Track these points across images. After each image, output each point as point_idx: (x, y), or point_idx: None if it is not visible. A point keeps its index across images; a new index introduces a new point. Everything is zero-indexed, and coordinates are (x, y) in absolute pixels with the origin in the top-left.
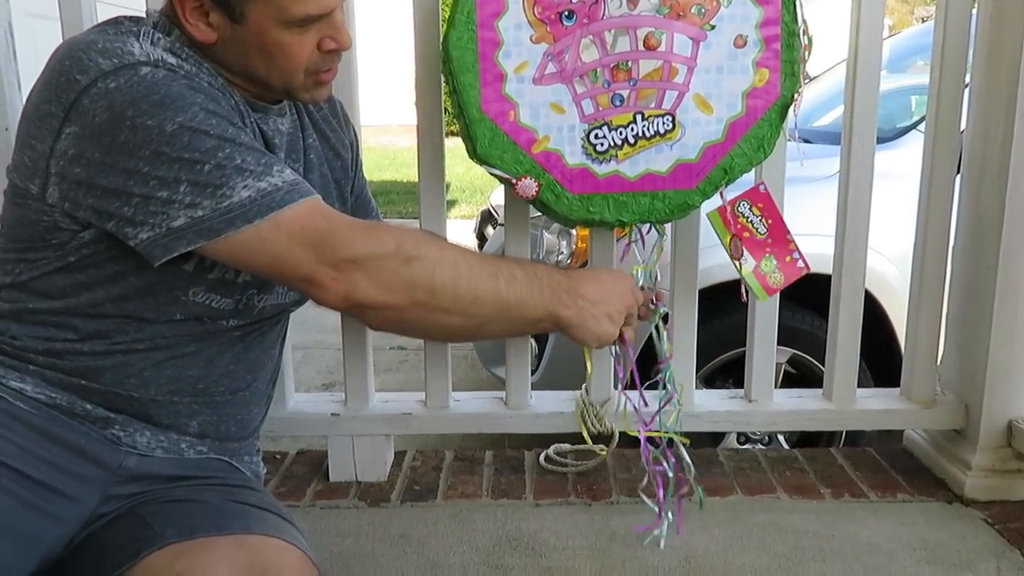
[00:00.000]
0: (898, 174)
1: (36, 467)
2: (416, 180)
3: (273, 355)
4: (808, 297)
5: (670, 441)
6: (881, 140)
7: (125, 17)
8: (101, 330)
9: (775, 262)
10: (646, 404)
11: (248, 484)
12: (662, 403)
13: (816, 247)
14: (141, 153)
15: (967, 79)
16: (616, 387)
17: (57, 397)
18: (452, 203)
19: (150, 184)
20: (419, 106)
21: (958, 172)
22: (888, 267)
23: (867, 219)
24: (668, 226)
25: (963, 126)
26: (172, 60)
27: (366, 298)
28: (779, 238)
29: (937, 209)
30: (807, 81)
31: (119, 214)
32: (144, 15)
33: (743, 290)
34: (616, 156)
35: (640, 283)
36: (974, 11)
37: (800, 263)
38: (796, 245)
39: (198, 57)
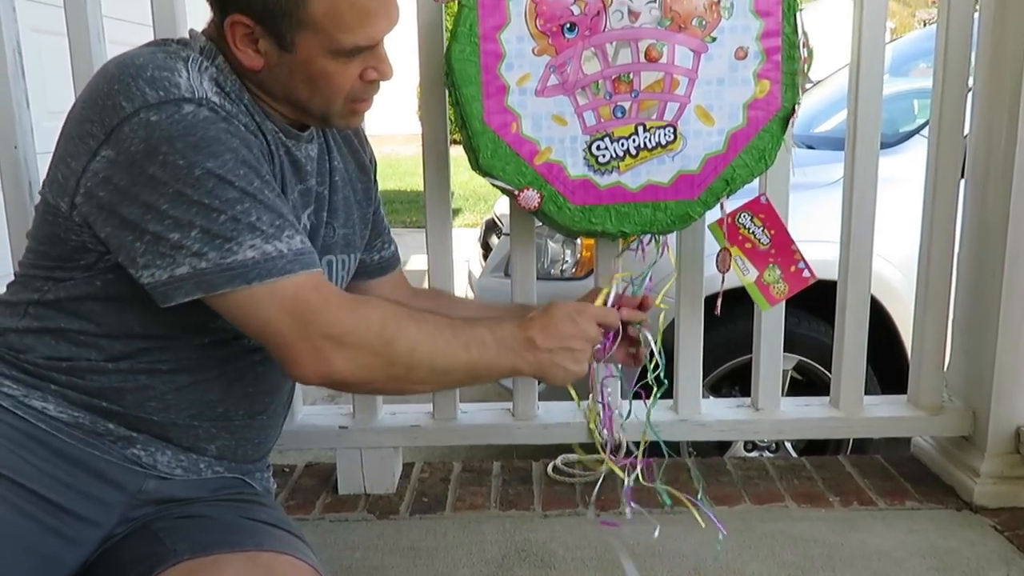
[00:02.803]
0: (902, 179)
1: (56, 490)
2: (419, 189)
3: (289, 379)
4: (814, 303)
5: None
6: (885, 145)
7: (173, 40)
8: (127, 351)
9: (779, 272)
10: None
11: (259, 500)
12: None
13: (821, 253)
14: (164, 190)
15: (970, 83)
16: (624, 398)
17: (79, 416)
18: (456, 212)
19: (164, 223)
20: (423, 115)
21: (962, 176)
22: (894, 272)
23: (872, 225)
24: (672, 237)
25: (967, 130)
26: (215, 98)
27: (344, 376)
28: (783, 248)
29: (941, 214)
30: (810, 86)
31: (130, 248)
32: (189, 36)
33: (718, 304)
34: (618, 167)
35: (616, 292)
36: (976, 14)
37: (806, 272)
38: (802, 255)
39: (241, 87)
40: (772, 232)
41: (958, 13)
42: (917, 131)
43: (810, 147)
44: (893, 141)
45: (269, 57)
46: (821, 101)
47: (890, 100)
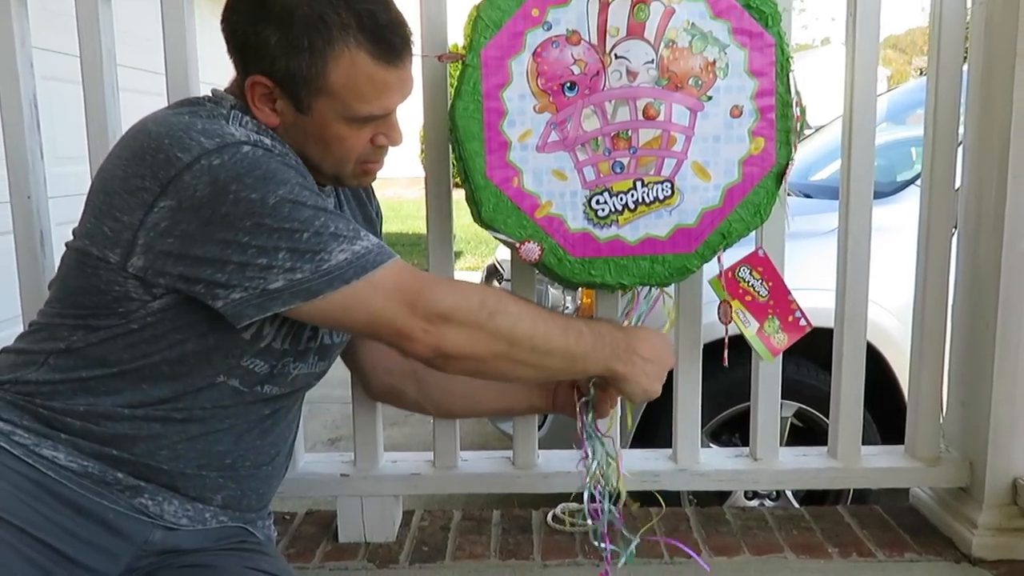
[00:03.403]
0: (900, 227)
1: (64, 540)
2: (422, 232)
3: (293, 429)
4: (813, 351)
5: (614, 497)
6: (882, 194)
7: (205, 98)
8: (144, 400)
9: (778, 322)
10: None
11: (262, 549)
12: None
13: (818, 301)
14: (242, 224)
15: (960, 136)
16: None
17: (89, 466)
18: (458, 254)
19: (248, 252)
20: (427, 160)
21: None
22: (892, 321)
23: (866, 275)
24: (670, 288)
25: (958, 183)
26: (267, 140)
27: (453, 349)
28: (781, 299)
29: (935, 266)
30: (810, 132)
31: (211, 279)
32: (213, 95)
33: (726, 353)
34: (617, 221)
35: None
36: (965, 68)
37: (803, 321)
38: (798, 304)
39: (280, 140)
40: (770, 284)
41: (947, 68)
42: (914, 180)
43: (807, 195)
44: (891, 190)
45: (285, 116)
46: (818, 149)
47: (888, 148)
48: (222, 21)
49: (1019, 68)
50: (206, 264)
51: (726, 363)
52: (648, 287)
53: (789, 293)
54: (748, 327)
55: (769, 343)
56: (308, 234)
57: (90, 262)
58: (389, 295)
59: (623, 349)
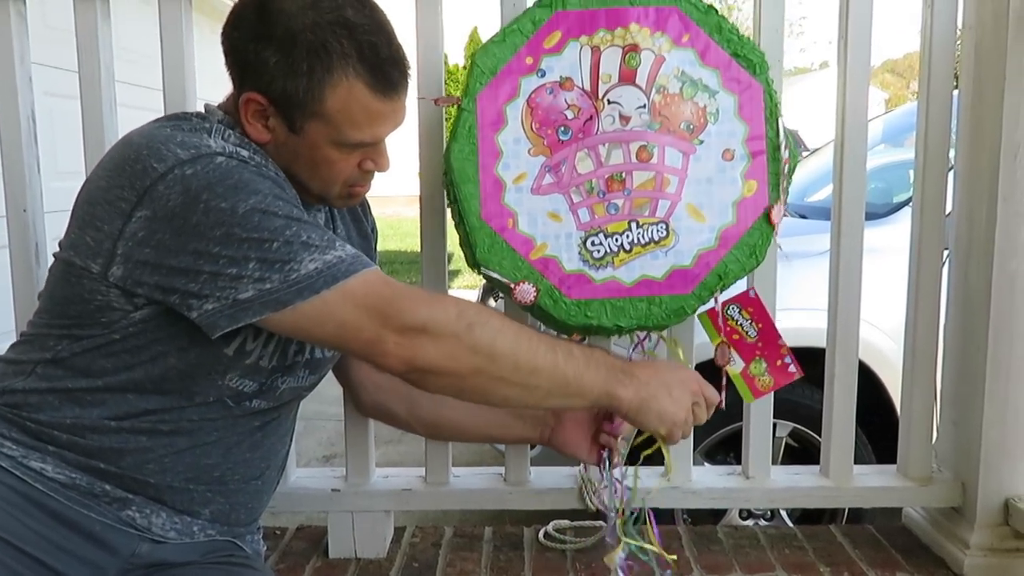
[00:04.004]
0: (894, 249)
1: (52, 554)
2: (420, 250)
3: (286, 443)
4: (809, 371)
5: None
6: (878, 215)
7: (193, 113)
8: (131, 411)
9: (764, 365)
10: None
11: (250, 563)
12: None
13: (814, 321)
14: (212, 234)
15: (951, 160)
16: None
17: (76, 478)
18: (455, 273)
19: (219, 262)
20: (422, 179)
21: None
22: (885, 341)
23: (858, 296)
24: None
25: (949, 207)
26: (244, 151)
27: (428, 363)
28: (770, 342)
29: (926, 288)
30: (806, 155)
31: (184, 289)
32: (205, 111)
33: (723, 395)
34: (612, 262)
35: None
36: (955, 93)
37: (792, 368)
38: (788, 350)
39: (264, 154)
40: (760, 326)
41: (938, 93)
42: (908, 202)
43: (803, 216)
44: (886, 211)
45: (277, 134)
46: (814, 171)
47: (885, 170)
48: (223, 35)
49: (1008, 92)
50: (180, 274)
51: (723, 406)
52: (647, 335)
53: (780, 337)
54: (733, 366)
55: (752, 385)
56: (278, 243)
57: (74, 272)
58: (359, 305)
59: (620, 371)
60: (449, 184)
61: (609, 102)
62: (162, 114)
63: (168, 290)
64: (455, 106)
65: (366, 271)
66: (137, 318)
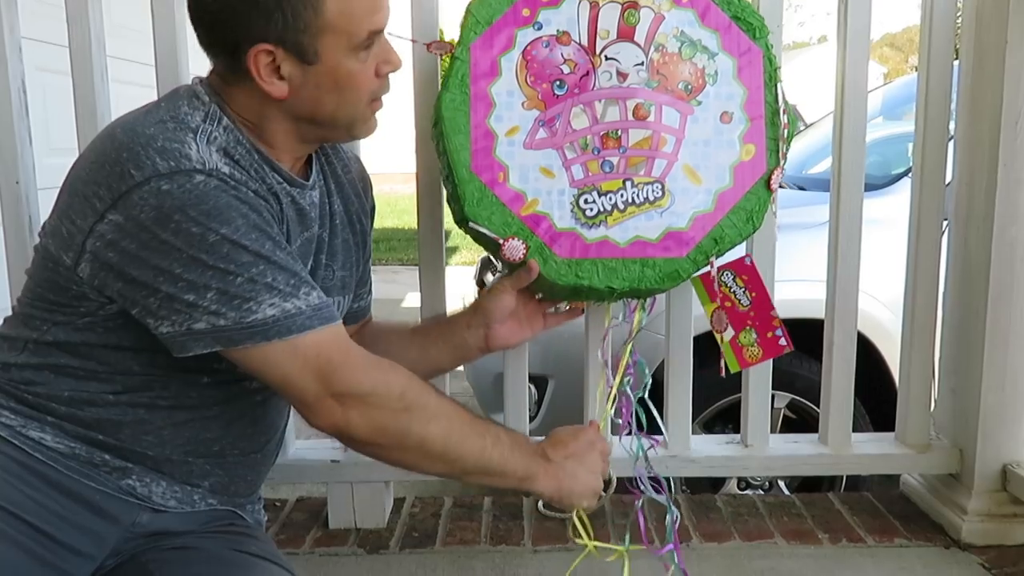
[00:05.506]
0: (893, 220)
1: (51, 522)
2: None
3: (285, 416)
4: (806, 342)
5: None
6: (877, 187)
7: (185, 92)
8: (129, 385)
9: (755, 336)
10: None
11: (250, 532)
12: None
13: (812, 292)
14: (178, 255)
15: (951, 130)
16: (615, 434)
17: (76, 447)
18: (453, 250)
19: (178, 285)
20: (418, 155)
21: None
22: (884, 312)
23: (857, 267)
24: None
25: (949, 176)
26: (225, 168)
27: (358, 433)
28: (762, 312)
29: (925, 257)
30: (803, 129)
31: (144, 304)
32: (193, 89)
33: (722, 363)
34: (606, 221)
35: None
36: (956, 64)
37: (782, 341)
38: (780, 322)
39: (249, 147)
40: (754, 295)
41: (938, 63)
42: (907, 173)
43: (802, 188)
44: (884, 183)
45: (293, 79)
46: (813, 144)
47: (883, 143)
48: (194, 8)
49: (1010, 57)
50: (140, 287)
51: (722, 373)
52: (636, 304)
53: (773, 308)
54: (723, 333)
55: (740, 354)
56: (242, 279)
57: (51, 259)
58: (306, 364)
59: (537, 454)
60: (439, 135)
61: (606, 58)
62: (154, 89)
63: (130, 300)
64: (448, 54)
65: (322, 329)
66: (114, 309)
